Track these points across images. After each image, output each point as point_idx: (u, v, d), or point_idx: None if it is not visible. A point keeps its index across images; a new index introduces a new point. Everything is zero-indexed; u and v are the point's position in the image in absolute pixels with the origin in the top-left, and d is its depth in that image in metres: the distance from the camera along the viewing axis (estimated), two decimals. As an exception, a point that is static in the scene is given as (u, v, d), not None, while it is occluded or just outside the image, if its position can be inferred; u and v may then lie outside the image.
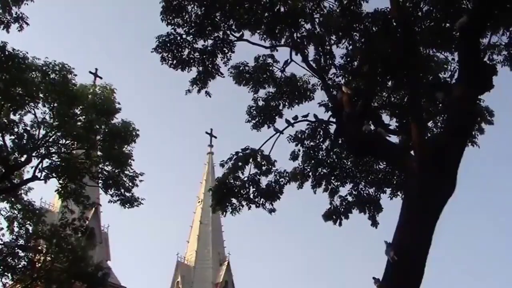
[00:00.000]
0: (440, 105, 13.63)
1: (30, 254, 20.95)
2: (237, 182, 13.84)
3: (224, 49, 13.80)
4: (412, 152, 10.81)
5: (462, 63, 10.91)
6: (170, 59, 13.55)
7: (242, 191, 13.87)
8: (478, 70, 10.53)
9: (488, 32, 12.74)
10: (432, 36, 13.14)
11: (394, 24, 12.26)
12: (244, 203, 13.93)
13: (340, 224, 14.52)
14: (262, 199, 14.00)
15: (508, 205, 70.74)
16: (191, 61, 13.71)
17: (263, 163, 13.94)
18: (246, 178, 13.90)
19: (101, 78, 32.56)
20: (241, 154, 13.77)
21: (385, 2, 12.52)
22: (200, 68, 13.86)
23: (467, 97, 10.49)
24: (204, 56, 13.74)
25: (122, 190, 19.82)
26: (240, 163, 13.74)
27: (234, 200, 13.86)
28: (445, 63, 14.03)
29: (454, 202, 10.16)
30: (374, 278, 9.79)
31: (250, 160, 13.80)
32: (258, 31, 13.63)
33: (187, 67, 13.74)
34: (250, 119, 14.52)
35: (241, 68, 14.24)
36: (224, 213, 14.02)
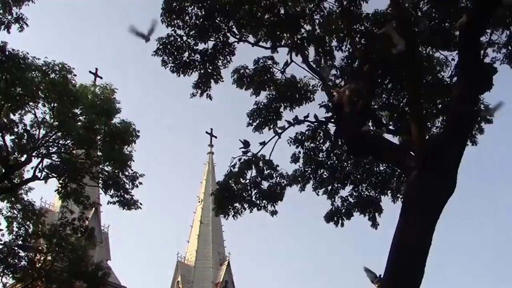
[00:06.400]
0: (440, 105, 13.63)
1: (30, 253, 20.97)
2: (239, 185, 13.84)
3: (225, 51, 13.76)
4: (412, 152, 10.80)
5: (462, 62, 10.87)
6: (170, 61, 13.50)
7: (244, 194, 13.86)
8: (478, 70, 10.51)
9: (488, 30, 12.72)
10: (432, 36, 13.13)
11: (394, 24, 12.23)
12: (246, 205, 13.93)
13: (342, 225, 14.54)
14: (264, 201, 14.00)
15: (508, 205, 70.77)
16: (192, 63, 13.65)
17: (265, 167, 13.95)
18: (247, 181, 13.90)
19: (101, 78, 32.63)
20: (243, 160, 13.76)
21: (385, 3, 12.52)
22: (201, 71, 13.80)
23: (467, 96, 10.47)
24: (205, 59, 13.68)
25: (121, 192, 19.81)
26: (242, 169, 13.76)
27: (236, 204, 13.87)
28: (445, 62, 14.03)
29: (455, 202, 10.17)
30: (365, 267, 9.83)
31: (252, 166, 13.84)
32: (258, 33, 13.60)
33: (188, 71, 13.67)
34: (251, 122, 14.38)
35: (241, 71, 14.15)
36: (227, 216, 14.03)
